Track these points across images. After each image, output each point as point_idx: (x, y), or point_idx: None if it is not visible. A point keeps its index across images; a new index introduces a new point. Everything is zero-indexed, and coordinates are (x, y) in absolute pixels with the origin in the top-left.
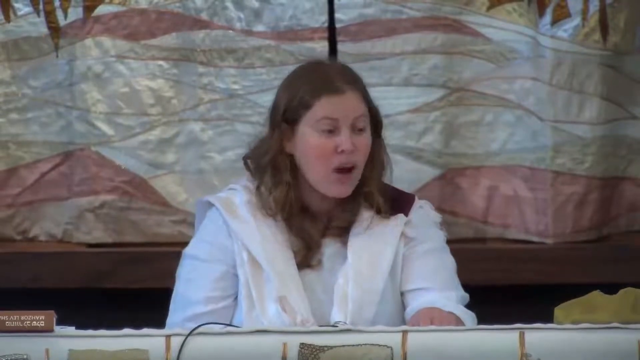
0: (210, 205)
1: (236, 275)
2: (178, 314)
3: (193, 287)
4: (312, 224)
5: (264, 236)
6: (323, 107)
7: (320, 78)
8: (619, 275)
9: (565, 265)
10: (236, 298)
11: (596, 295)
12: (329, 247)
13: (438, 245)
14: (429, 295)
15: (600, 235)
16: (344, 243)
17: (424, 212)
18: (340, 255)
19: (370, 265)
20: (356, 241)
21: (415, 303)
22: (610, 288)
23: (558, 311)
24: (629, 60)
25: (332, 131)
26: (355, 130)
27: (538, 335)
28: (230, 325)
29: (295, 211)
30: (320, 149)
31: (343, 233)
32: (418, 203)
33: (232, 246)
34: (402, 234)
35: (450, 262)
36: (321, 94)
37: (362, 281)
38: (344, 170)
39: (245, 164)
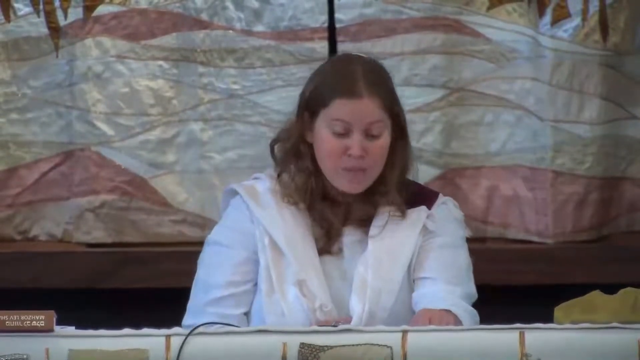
0: (235, 193)
1: (257, 261)
2: (199, 297)
3: (215, 272)
4: (333, 211)
5: (286, 221)
6: (338, 109)
7: (343, 77)
8: (619, 275)
9: (565, 265)
10: (256, 283)
11: (596, 295)
12: (350, 235)
13: (454, 241)
14: (434, 286)
15: (600, 235)
16: (366, 232)
17: (446, 208)
18: (361, 243)
19: (390, 255)
20: (378, 230)
21: (420, 290)
22: (610, 288)
23: (558, 311)
24: (629, 60)
25: (344, 134)
26: (369, 135)
27: (538, 335)
28: (230, 324)
29: (317, 199)
30: (331, 148)
31: (365, 223)
32: (442, 199)
33: (254, 232)
34: (423, 226)
35: (463, 259)
36: (338, 95)
37: (381, 270)
38: (354, 170)
39: (272, 150)
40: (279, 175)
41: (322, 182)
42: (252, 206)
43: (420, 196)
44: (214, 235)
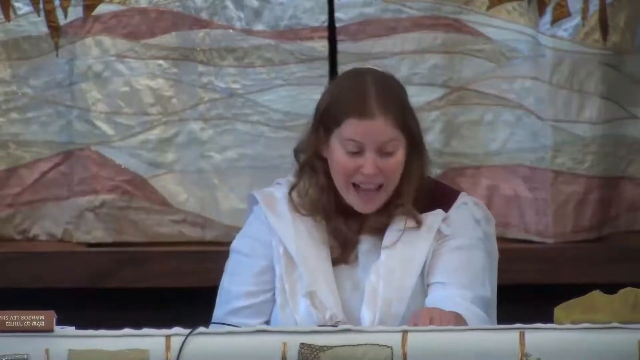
0: (257, 200)
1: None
2: (222, 307)
3: (235, 281)
4: (347, 224)
5: (299, 232)
6: (350, 129)
7: (356, 96)
8: (619, 275)
9: (565, 265)
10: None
11: (596, 295)
12: (365, 243)
13: (470, 242)
14: (445, 290)
15: (600, 235)
16: (380, 239)
17: (466, 209)
18: (375, 252)
19: (403, 263)
20: (392, 238)
21: (432, 296)
22: (610, 288)
23: (558, 311)
24: (629, 60)
25: (357, 152)
26: (382, 153)
27: (538, 335)
28: (230, 325)
29: (331, 213)
30: (343, 166)
31: (379, 231)
32: (462, 199)
33: (271, 241)
34: (438, 230)
35: (478, 260)
36: (350, 115)
37: (392, 278)
38: (368, 190)
39: (296, 156)
40: (292, 188)
41: (336, 196)
42: (268, 215)
43: (438, 198)
44: (236, 243)
